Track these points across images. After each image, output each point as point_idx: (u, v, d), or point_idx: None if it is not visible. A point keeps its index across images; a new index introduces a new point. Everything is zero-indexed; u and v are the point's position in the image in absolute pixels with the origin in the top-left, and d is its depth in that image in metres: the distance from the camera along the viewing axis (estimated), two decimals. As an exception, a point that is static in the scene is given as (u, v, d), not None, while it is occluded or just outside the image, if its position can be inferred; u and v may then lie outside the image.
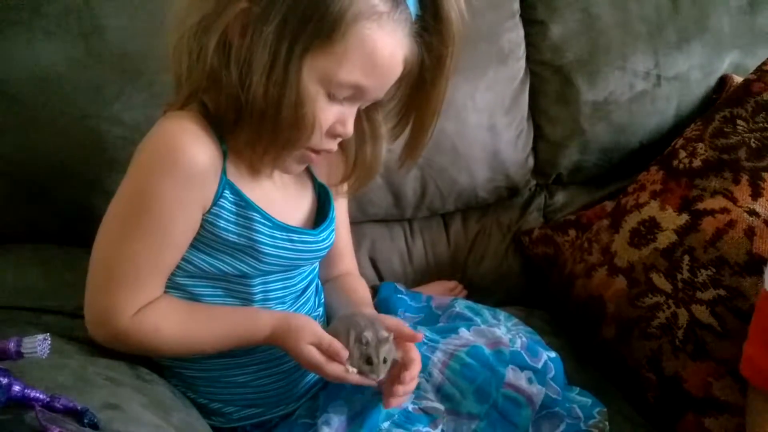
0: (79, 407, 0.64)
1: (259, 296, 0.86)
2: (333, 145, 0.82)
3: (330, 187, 0.96)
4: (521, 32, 1.29)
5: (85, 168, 1.02)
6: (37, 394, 0.62)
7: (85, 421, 0.64)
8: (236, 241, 0.81)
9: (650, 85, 1.31)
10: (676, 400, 0.98)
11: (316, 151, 0.81)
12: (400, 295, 1.13)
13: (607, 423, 0.96)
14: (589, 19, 1.29)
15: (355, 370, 0.81)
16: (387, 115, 0.87)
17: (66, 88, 0.99)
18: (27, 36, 0.97)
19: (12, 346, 0.60)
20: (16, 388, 0.61)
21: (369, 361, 0.81)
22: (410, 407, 0.88)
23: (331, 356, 0.81)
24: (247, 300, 0.86)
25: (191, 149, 0.75)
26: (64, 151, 1.01)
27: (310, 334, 0.81)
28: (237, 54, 0.72)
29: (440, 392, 0.90)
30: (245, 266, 0.83)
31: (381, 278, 1.28)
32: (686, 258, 1.03)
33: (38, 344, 0.60)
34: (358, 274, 1.08)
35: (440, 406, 0.89)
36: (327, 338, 0.81)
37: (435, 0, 0.75)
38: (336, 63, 0.73)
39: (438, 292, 1.23)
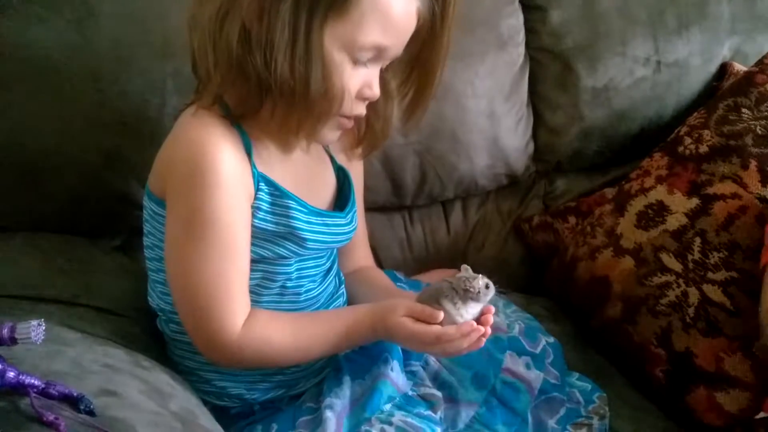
0: (75, 394, 0.63)
1: (294, 275, 0.87)
2: (363, 109, 0.83)
3: (343, 154, 0.96)
4: (521, 18, 1.28)
5: (80, 155, 1.01)
6: (33, 381, 0.62)
7: (81, 407, 0.63)
8: (275, 230, 0.82)
9: (650, 71, 1.30)
10: (687, 374, 0.99)
11: (348, 117, 0.82)
12: (399, 284, 1.12)
13: (606, 408, 0.96)
14: (589, 5, 1.28)
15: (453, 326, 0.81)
16: (395, 71, 0.87)
17: (60, 75, 0.98)
18: (19, 21, 0.96)
19: (6, 332, 0.60)
20: (11, 374, 0.61)
21: (467, 292, 0.82)
22: (409, 393, 0.88)
23: (427, 320, 0.81)
24: (283, 279, 0.87)
25: (225, 155, 0.76)
26: (59, 139, 1.00)
27: (402, 308, 0.83)
28: (258, 38, 0.72)
29: (437, 380, 0.90)
30: (286, 251, 0.84)
31: (381, 266, 1.26)
32: (697, 240, 1.03)
33: (32, 330, 0.60)
34: (375, 265, 1.08)
35: (438, 393, 0.88)
36: (418, 306, 0.83)
37: None
38: (355, 28, 0.74)
39: (438, 280, 1.22)
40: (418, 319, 0.82)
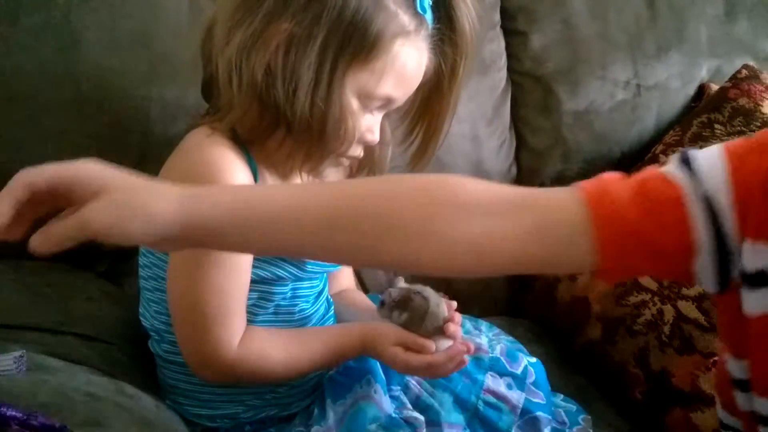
0: (57, 425, 0.63)
1: (289, 294, 0.89)
2: (361, 152, 0.86)
3: None
4: (502, 43, 1.30)
5: (65, 183, 1.01)
6: (14, 413, 0.61)
7: (63, 438, 0.63)
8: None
9: (630, 94, 1.33)
10: (664, 394, 1.00)
11: (347, 158, 0.86)
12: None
13: (591, 430, 0.96)
14: (569, 30, 1.31)
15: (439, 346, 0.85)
16: (402, 120, 0.91)
17: (43, 103, 0.98)
18: (3, 49, 0.96)
19: (-13, 364, 0.60)
20: (-8, 406, 0.60)
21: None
22: (393, 414, 0.89)
23: (419, 351, 0.84)
24: (278, 299, 0.88)
25: (239, 177, 0.78)
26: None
27: (393, 337, 0.85)
28: (282, 73, 0.75)
29: (418, 404, 0.91)
30: (285, 272, 0.86)
31: (366, 291, 1.27)
32: (671, 256, 1.04)
33: (13, 362, 0.60)
34: (356, 287, 1.11)
35: (420, 417, 0.89)
36: (411, 336, 0.85)
37: (450, 12, 0.80)
38: (375, 78, 0.77)
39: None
40: (409, 348, 0.84)
